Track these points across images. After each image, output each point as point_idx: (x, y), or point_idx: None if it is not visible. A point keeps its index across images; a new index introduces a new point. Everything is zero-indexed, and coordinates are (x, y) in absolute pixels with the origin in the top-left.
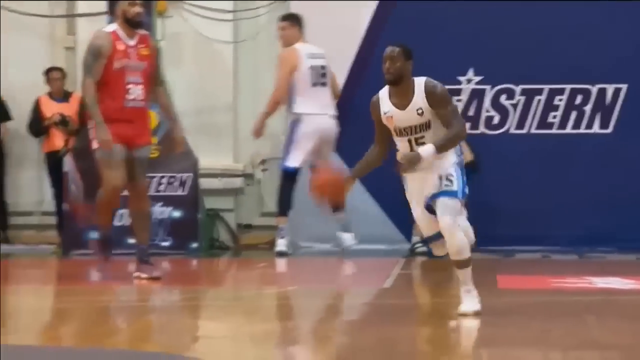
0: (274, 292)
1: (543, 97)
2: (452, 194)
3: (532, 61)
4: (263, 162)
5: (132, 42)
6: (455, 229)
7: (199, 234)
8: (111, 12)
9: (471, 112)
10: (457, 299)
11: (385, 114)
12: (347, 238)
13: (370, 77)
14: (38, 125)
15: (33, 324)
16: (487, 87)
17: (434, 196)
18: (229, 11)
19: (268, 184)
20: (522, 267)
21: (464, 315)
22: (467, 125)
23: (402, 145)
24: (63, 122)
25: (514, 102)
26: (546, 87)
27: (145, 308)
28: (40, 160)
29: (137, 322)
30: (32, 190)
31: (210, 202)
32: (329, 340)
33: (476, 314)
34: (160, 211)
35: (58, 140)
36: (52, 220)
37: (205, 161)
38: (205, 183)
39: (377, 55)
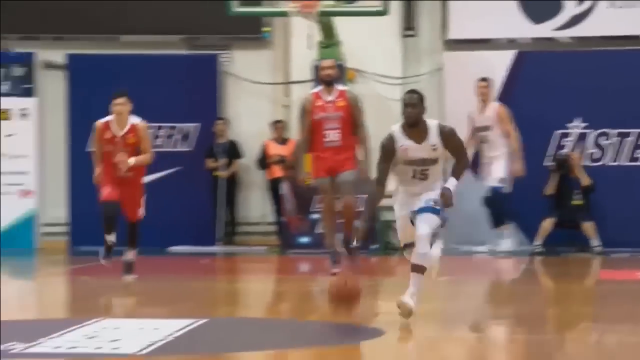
0: (433, 281)
1: (631, 139)
2: (435, 210)
3: (623, 111)
4: None
5: (330, 98)
6: (425, 240)
7: (377, 239)
8: (316, 79)
9: (578, 150)
10: (573, 285)
11: (401, 146)
12: (507, 243)
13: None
14: (264, 162)
15: (260, 303)
16: (590, 131)
17: (419, 210)
18: (399, 77)
19: None
20: (616, 264)
21: (399, 305)
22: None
23: (404, 169)
24: (281, 161)
25: (609, 142)
26: (634, 131)
27: None
28: (264, 186)
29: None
30: (258, 207)
31: (385, 215)
32: (471, 313)
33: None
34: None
35: (277, 171)
36: (273, 228)
37: None
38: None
39: (513, 101)
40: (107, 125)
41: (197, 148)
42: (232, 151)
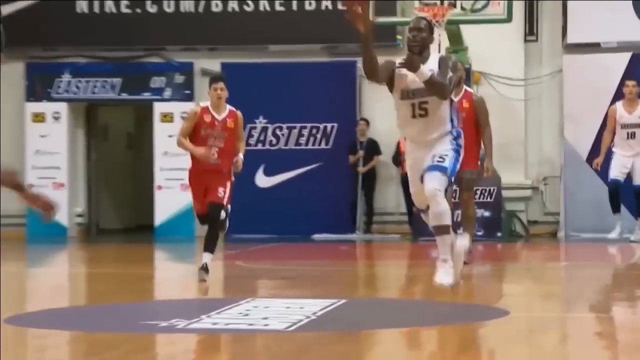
0: (553, 265)
1: None
2: (441, 168)
3: None
4: (544, 179)
5: (455, 99)
6: (438, 196)
7: (502, 227)
8: None
9: None
10: None
11: (399, 72)
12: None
13: None
14: (397, 159)
15: (395, 285)
16: None
17: (426, 169)
18: (521, 79)
19: (548, 193)
20: None
21: (440, 286)
22: None
23: (403, 110)
24: None
25: None
26: None
27: (466, 275)
28: (398, 179)
29: (460, 286)
30: (393, 198)
31: (509, 206)
32: (590, 295)
33: (450, 286)
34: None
35: None
36: (406, 218)
37: (506, 178)
38: (505, 193)
39: None
40: (206, 109)
41: (336, 146)
42: (372, 148)
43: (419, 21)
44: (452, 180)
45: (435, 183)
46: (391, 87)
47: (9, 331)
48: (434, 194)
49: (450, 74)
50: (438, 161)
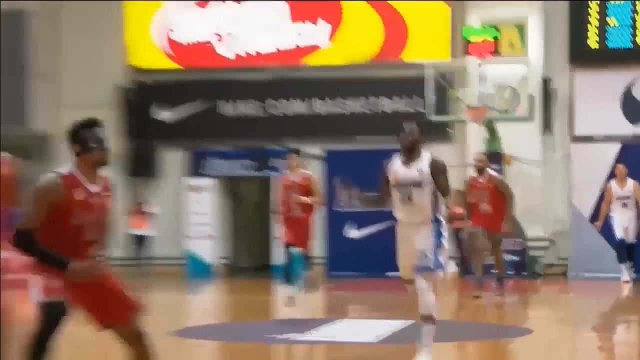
0: (564, 297)
1: None
2: (426, 268)
3: None
4: (558, 233)
5: (481, 180)
6: (426, 291)
7: (526, 268)
8: None
9: None
10: None
11: (392, 168)
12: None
13: None
14: (450, 218)
15: (446, 309)
16: None
17: (416, 268)
18: (540, 161)
19: (560, 244)
20: None
21: None
22: None
23: (395, 197)
24: (460, 217)
25: None
26: None
27: (499, 303)
28: (451, 233)
29: (495, 311)
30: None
31: (531, 252)
32: (594, 319)
33: None
34: (507, 257)
35: (457, 224)
36: (456, 261)
37: (529, 232)
38: (529, 243)
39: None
40: (287, 176)
41: None
42: None
43: (412, 128)
44: (440, 264)
45: (423, 282)
46: (388, 180)
47: (175, 341)
48: (422, 289)
49: (446, 177)
50: (424, 260)
